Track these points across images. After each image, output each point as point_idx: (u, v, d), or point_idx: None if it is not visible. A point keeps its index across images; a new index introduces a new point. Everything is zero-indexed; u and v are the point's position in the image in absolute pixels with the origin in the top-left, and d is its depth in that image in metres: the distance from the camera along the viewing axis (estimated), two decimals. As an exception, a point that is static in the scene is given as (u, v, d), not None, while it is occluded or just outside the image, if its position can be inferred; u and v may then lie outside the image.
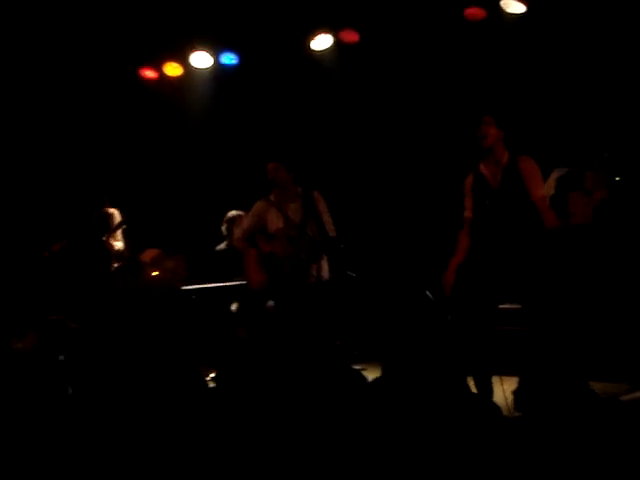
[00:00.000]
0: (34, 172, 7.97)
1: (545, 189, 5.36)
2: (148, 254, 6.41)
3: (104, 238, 6.12)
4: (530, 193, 4.20)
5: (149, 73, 8.07)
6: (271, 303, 5.17)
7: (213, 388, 3.16)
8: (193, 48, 7.72)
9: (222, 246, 6.75)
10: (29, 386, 3.14)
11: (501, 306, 4.47)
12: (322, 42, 7.35)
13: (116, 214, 6.35)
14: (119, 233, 6.42)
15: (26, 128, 7.93)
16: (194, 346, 5.95)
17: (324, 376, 3.05)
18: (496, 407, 2.80)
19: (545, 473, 2.31)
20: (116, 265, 6.32)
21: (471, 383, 4.14)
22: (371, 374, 5.48)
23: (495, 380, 4.24)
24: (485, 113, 4.32)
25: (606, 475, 2.28)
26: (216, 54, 7.78)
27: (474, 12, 6.65)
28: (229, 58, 7.82)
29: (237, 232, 5.59)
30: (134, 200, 7.41)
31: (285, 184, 5.15)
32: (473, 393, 2.93)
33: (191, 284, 6.43)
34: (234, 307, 6.29)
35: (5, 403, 2.94)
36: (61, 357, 4.29)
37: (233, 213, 6.63)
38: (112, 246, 6.24)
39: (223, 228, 6.70)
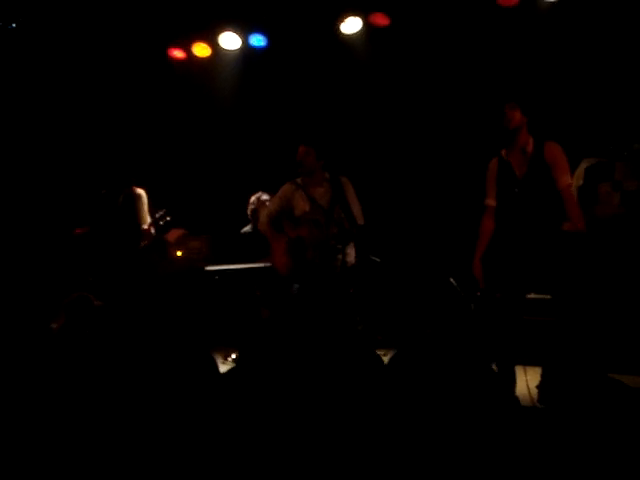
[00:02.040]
0: (63, 151, 8.04)
1: (574, 179, 5.32)
2: (173, 234, 6.44)
3: (145, 227, 6.08)
4: (556, 181, 4.15)
5: (178, 53, 8.08)
6: (296, 286, 5.17)
7: (231, 369, 3.17)
8: (222, 29, 7.71)
9: (247, 229, 6.76)
10: (60, 364, 3.18)
11: (528, 296, 4.44)
12: (352, 25, 7.32)
13: (143, 195, 6.37)
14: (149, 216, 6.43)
15: (55, 107, 7.99)
16: (213, 326, 5.98)
17: (343, 360, 3.05)
18: (515, 398, 2.79)
19: (563, 466, 2.30)
20: (142, 244, 6.35)
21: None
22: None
23: (518, 370, 4.24)
24: (512, 99, 4.28)
25: (627, 469, 2.27)
26: (245, 35, 7.76)
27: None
28: (258, 40, 7.80)
29: (263, 215, 5.55)
30: (161, 180, 7.45)
31: (313, 169, 5.10)
32: (495, 382, 2.92)
33: (215, 265, 6.46)
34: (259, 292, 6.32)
35: (38, 384, 2.98)
36: (88, 333, 4.32)
37: (258, 195, 6.63)
38: (151, 235, 6.21)
39: (248, 210, 6.70)
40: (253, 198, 6.66)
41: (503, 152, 4.34)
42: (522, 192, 4.19)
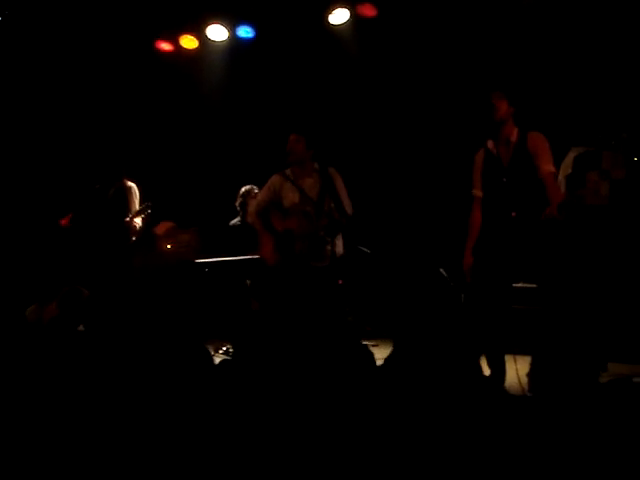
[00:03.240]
0: (53, 144, 8.01)
1: (563, 168, 5.34)
2: (162, 227, 6.42)
3: (128, 219, 6.10)
4: (538, 169, 4.16)
5: (165, 45, 8.05)
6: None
7: (223, 361, 3.17)
8: (209, 21, 7.68)
9: (236, 221, 6.75)
10: (49, 357, 3.16)
11: (516, 285, 4.45)
12: (340, 16, 7.31)
13: (134, 188, 6.36)
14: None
15: (44, 100, 7.95)
16: (204, 319, 5.97)
17: (333, 351, 3.05)
18: (504, 390, 2.80)
19: (553, 454, 2.31)
20: (132, 239, 6.34)
21: (484, 361, 4.16)
22: (383, 350, 5.52)
23: (508, 359, 4.25)
24: (500, 89, 4.27)
25: (617, 457, 2.28)
26: (232, 27, 7.74)
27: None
28: (245, 31, 7.78)
29: (251, 206, 5.52)
30: (150, 173, 7.42)
31: (302, 158, 5.05)
32: (483, 374, 2.92)
33: (204, 258, 6.44)
34: (249, 282, 6.31)
35: (25, 377, 2.96)
36: (80, 327, 4.32)
37: (247, 188, 6.61)
38: (135, 227, 6.22)
39: (237, 203, 6.69)
40: (243, 190, 6.64)
41: (489, 143, 4.35)
42: (508, 182, 4.20)
